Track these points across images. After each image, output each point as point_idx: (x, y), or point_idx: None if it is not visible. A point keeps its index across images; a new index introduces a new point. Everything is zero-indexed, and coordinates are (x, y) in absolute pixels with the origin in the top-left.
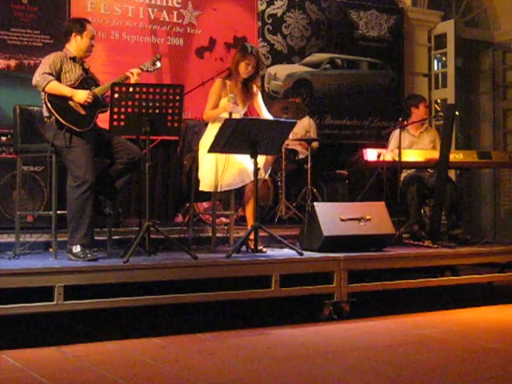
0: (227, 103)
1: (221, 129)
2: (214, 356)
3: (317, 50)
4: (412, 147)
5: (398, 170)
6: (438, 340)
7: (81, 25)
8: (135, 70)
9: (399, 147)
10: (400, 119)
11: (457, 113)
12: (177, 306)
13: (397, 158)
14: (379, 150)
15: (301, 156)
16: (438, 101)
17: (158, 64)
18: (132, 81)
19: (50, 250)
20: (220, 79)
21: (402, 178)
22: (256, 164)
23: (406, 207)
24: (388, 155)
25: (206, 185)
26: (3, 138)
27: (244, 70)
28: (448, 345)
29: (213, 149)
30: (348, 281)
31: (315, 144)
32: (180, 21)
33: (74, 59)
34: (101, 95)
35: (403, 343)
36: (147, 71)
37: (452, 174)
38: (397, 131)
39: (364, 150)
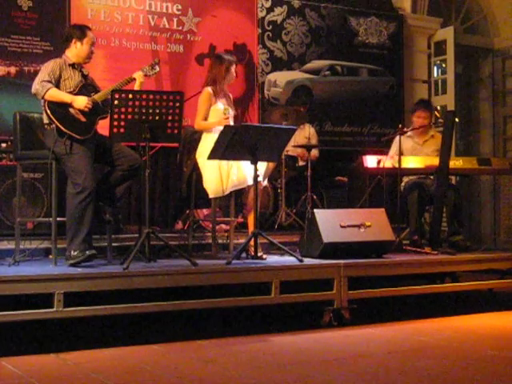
0: (224, 118)
1: (220, 136)
2: (214, 363)
3: (317, 57)
4: (414, 154)
5: (398, 177)
6: (438, 347)
7: (81, 31)
8: (139, 74)
9: (399, 154)
10: (400, 126)
11: (457, 119)
12: (177, 313)
13: (396, 165)
14: (379, 157)
15: (301, 163)
16: (438, 107)
17: (157, 68)
18: (137, 83)
19: (50, 256)
20: (208, 88)
21: (403, 184)
22: (256, 171)
23: (407, 213)
24: (388, 162)
25: (214, 191)
26: (3, 145)
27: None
28: (448, 351)
29: (213, 155)
30: (348, 287)
31: (315, 153)
32: (180, 28)
33: (73, 66)
34: (101, 101)
35: (403, 350)
36: (146, 75)
37: (452, 180)
38: (398, 137)
39: (364, 157)
